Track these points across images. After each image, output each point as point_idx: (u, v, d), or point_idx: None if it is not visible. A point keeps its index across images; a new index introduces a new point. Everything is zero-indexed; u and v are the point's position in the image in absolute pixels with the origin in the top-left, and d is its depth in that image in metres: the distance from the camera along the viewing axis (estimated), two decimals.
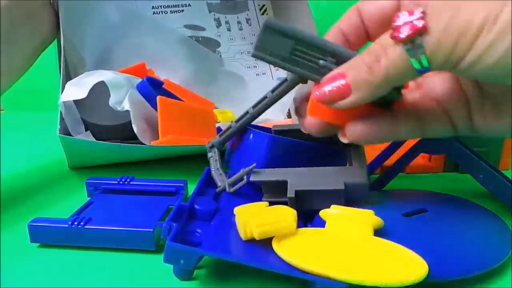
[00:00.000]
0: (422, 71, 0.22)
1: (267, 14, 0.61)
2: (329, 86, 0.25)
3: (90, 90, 0.41)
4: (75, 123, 0.44)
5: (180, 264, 0.24)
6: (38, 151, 0.52)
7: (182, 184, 0.37)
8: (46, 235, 0.30)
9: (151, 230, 0.29)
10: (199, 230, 0.28)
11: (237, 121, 0.34)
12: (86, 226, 0.29)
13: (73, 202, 0.35)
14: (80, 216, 0.30)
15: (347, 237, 0.26)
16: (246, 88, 0.57)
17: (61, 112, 0.42)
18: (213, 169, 0.35)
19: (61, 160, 0.45)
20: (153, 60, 0.52)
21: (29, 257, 0.29)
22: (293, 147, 0.33)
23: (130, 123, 0.41)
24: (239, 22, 0.59)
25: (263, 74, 0.59)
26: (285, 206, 0.28)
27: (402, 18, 0.22)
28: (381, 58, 0.22)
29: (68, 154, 0.44)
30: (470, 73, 0.22)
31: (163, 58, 0.53)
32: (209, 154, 0.36)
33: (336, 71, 0.25)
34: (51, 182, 0.43)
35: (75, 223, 0.29)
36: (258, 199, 0.32)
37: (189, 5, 0.57)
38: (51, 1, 0.45)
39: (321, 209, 0.28)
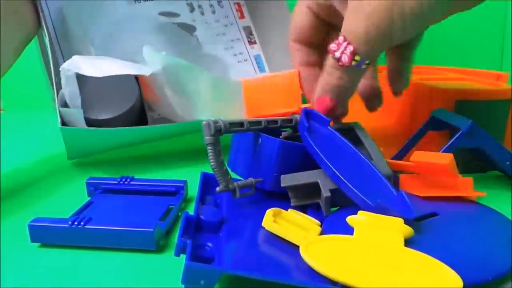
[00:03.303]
0: (368, 64, 0.32)
1: None
2: (320, 107, 0.34)
3: (82, 84, 0.41)
4: (73, 95, 0.43)
5: (200, 285, 0.23)
6: (38, 151, 0.52)
7: (182, 184, 0.37)
8: (46, 235, 0.30)
9: (151, 230, 0.29)
10: (209, 244, 0.27)
11: (250, 122, 0.33)
12: (86, 226, 0.29)
13: (73, 202, 0.35)
14: (80, 216, 0.30)
15: (378, 247, 0.25)
16: (226, 68, 0.58)
17: (59, 109, 0.42)
18: (216, 163, 0.30)
19: (61, 160, 0.45)
20: (133, 47, 0.50)
21: (29, 257, 0.29)
22: (303, 151, 0.33)
23: (125, 114, 0.40)
24: (211, 5, 0.61)
25: (240, 54, 0.61)
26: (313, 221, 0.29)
27: (338, 52, 0.31)
28: (341, 77, 0.32)
29: (68, 145, 0.43)
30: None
31: (143, 44, 0.53)
32: (210, 139, 0.30)
33: (317, 95, 0.34)
34: (51, 182, 0.43)
35: (75, 223, 0.29)
36: (260, 204, 0.32)
37: None
38: None
39: (352, 205, 0.28)
